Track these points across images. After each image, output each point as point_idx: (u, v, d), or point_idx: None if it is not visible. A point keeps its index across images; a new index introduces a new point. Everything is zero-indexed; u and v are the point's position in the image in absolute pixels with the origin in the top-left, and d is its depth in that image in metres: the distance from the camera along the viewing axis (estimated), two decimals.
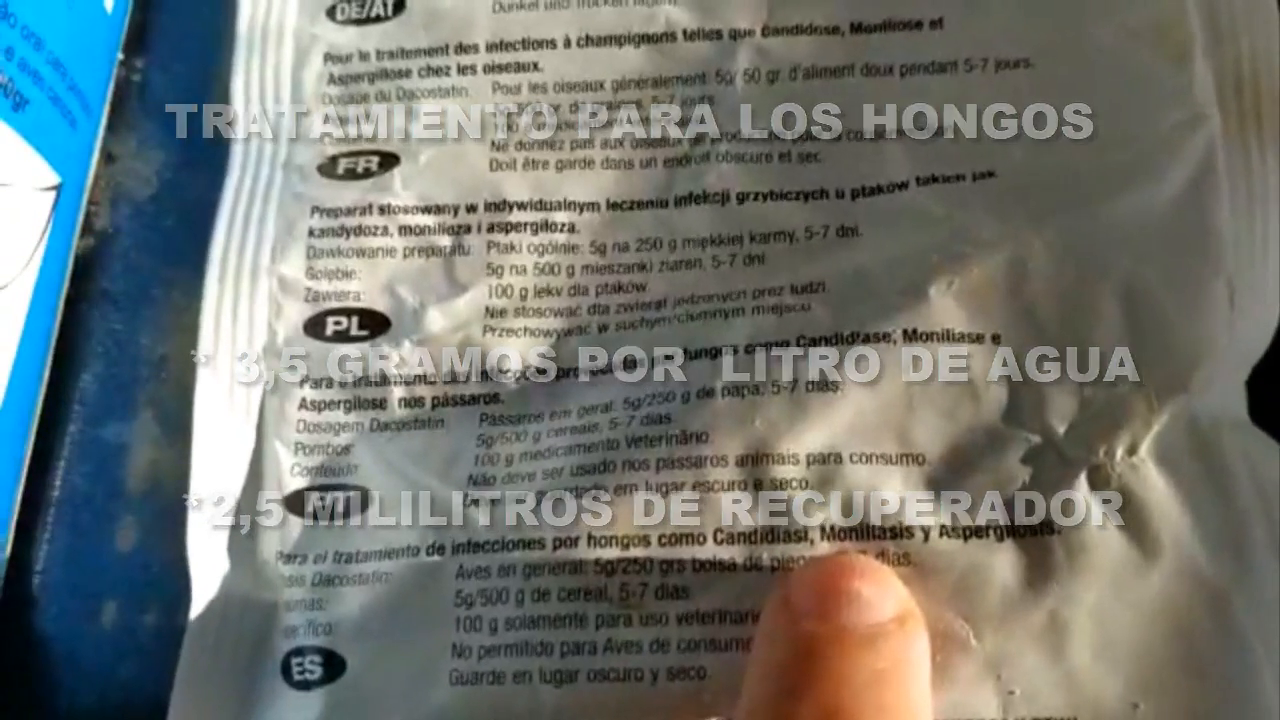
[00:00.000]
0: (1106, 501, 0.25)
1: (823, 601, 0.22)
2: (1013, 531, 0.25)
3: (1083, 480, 0.25)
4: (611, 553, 0.25)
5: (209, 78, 0.31)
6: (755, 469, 0.25)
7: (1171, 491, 0.25)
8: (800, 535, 0.25)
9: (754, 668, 0.22)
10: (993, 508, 0.25)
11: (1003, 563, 0.24)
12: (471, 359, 0.28)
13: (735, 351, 0.26)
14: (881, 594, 0.22)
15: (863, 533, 0.25)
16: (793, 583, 0.23)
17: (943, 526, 0.25)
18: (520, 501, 0.26)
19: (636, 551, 0.25)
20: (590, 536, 0.25)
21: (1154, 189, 0.26)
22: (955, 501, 0.25)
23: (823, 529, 0.25)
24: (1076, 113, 0.28)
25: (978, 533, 0.25)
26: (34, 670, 0.30)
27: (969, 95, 0.29)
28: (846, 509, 0.25)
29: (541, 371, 0.28)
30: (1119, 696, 0.24)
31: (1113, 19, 0.29)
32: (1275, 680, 0.24)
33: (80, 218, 0.32)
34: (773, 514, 0.25)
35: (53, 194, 0.30)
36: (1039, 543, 0.24)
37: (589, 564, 0.25)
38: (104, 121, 0.33)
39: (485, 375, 0.28)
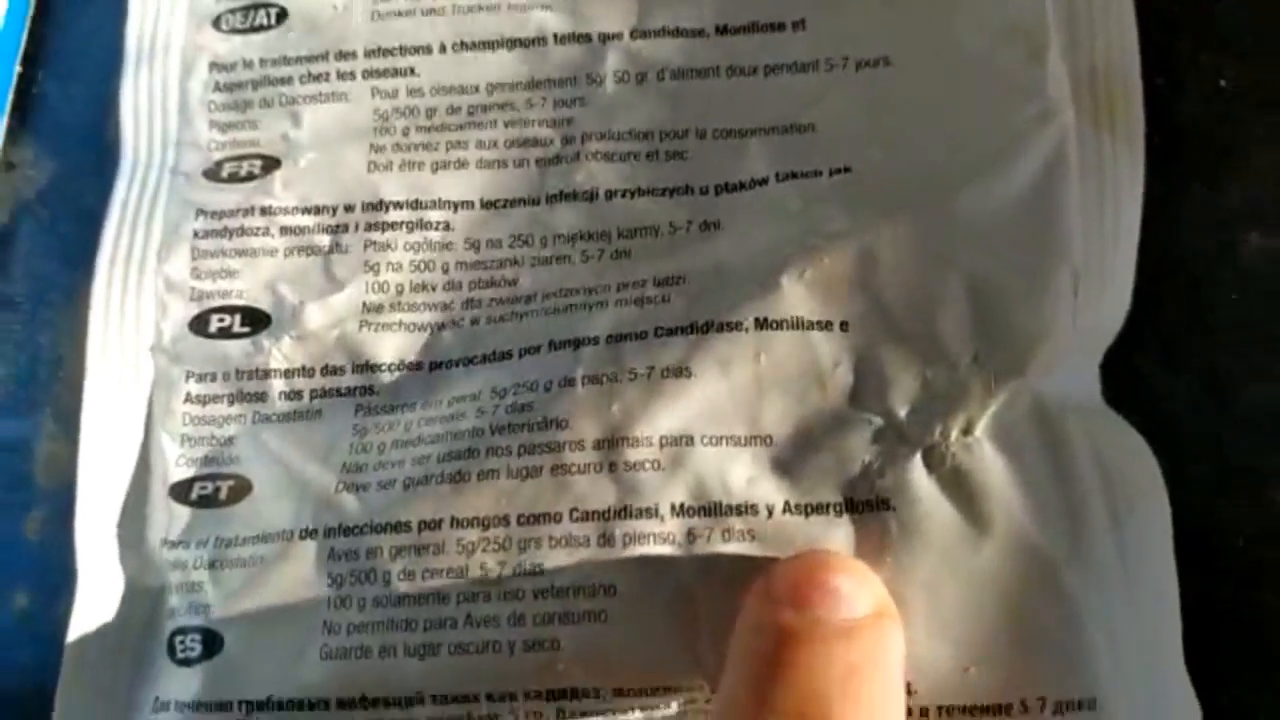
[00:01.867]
0: (941, 478, 0.26)
1: (801, 593, 0.23)
2: (851, 507, 0.26)
3: (918, 459, 0.26)
4: (472, 534, 0.26)
5: (106, 88, 0.32)
6: (611, 452, 0.26)
7: (1006, 469, 0.26)
8: (651, 512, 0.26)
9: (734, 655, 0.23)
10: (834, 486, 0.26)
11: (841, 537, 0.26)
12: (348, 353, 0.29)
13: (596, 342, 0.28)
14: (858, 589, 0.23)
15: (711, 510, 0.26)
16: (774, 575, 0.23)
17: (786, 503, 0.26)
18: (389, 486, 0.27)
19: (495, 532, 0.26)
20: (453, 519, 0.27)
21: (1004, 182, 0.27)
22: (799, 480, 0.26)
23: (673, 506, 0.26)
24: (933, 111, 0.30)
25: (818, 509, 0.26)
26: None
27: (829, 94, 0.30)
28: (696, 487, 0.26)
29: (415, 365, 0.29)
30: (950, 664, 0.25)
31: (972, 20, 0.29)
32: (1105, 649, 0.25)
33: None
34: (626, 493, 0.26)
35: None
36: (875, 518, 0.26)
37: (451, 545, 0.26)
38: (2, 130, 0.35)
39: (361, 368, 0.29)
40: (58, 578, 0.30)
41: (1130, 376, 0.28)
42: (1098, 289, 0.27)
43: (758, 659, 0.23)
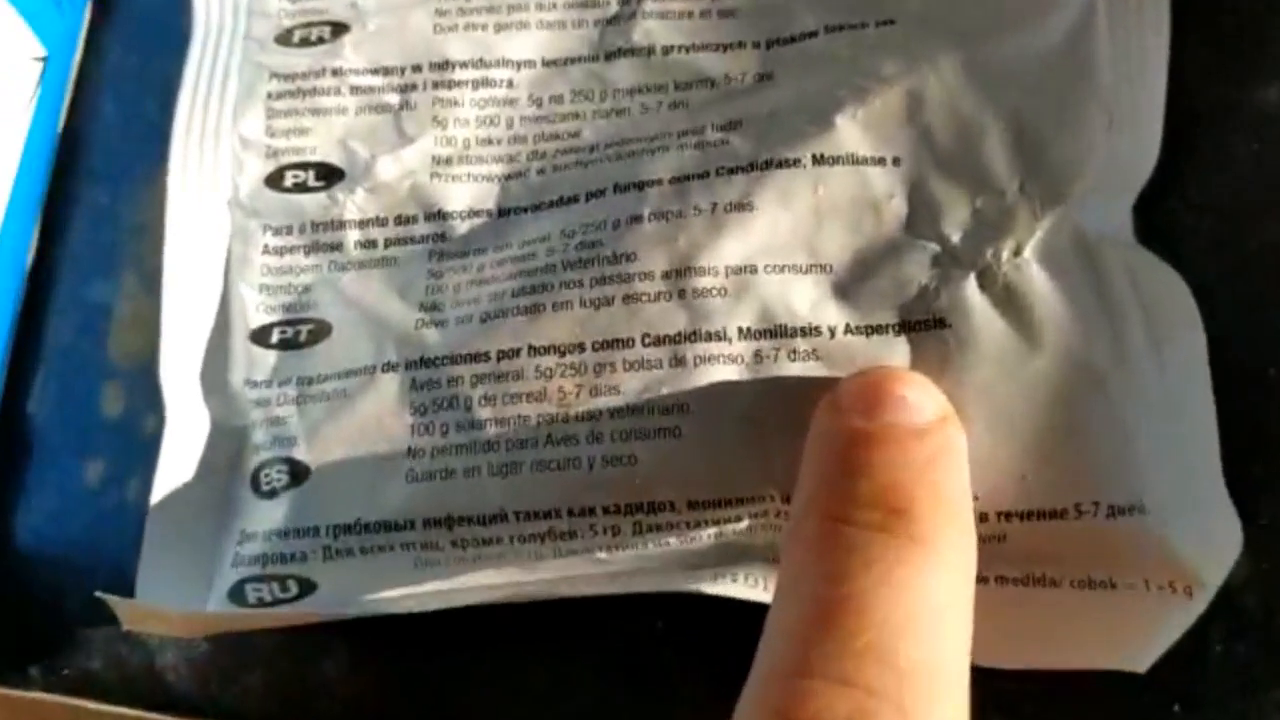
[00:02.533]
0: (994, 296, 0.26)
1: (871, 403, 0.23)
2: (909, 326, 0.26)
3: (972, 280, 0.26)
4: (549, 360, 0.27)
5: None
6: (679, 280, 0.27)
7: (1053, 288, 0.26)
8: (719, 335, 0.27)
9: (808, 462, 0.24)
10: (892, 307, 0.26)
11: (900, 353, 0.26)
12: (420, 202, 0.30)
13: (660, 183, 0.28)
14: (923, 398, 0.24)
15: (776, 332, 0.27)
16: (842, 389, 0.24)
17: (847, 324, 0.26)
18: (467, 320, 0.28)
19: (572, 358, 0.27)
20: (530, 347, 0.27)
21: (1040, 30, 0.28)
22: (858, 303, 0.27)
23: (740, 329, 0.27)
24: None
25: (878, 329, 0.27)
26: (20, 530, 0.31)
27: None
28: (761, 312, 0.27)
29: (486, 212, 0.30)
30: (1007, 471, 0.25)
31: None
32: (1150, 457, 0.25)
33: (67, 95, 0.35)
34: (695, 318, 0.26)
35: (40, 65, 0.33)
36: (933, 336, 0.26)
37: (529, 370, 0.27)
38: (88, 13, 0.35)
39: (433, 216, 0.30)
40: (136, 449, 0.32)
41: (1158, 218, 0.28)
42: (1129, 129, 0.28)
43: (833, 461, 0.23)
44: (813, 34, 0.30)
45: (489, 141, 0.31)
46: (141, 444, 0.30)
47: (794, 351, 0.27)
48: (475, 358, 0.28)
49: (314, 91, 0.31)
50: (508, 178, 0.30)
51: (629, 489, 0.26)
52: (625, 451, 0.27)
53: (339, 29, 0.32)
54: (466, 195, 0.30)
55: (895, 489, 0.22)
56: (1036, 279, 0.27)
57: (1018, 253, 0.27)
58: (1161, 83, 0.28)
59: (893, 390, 0.24)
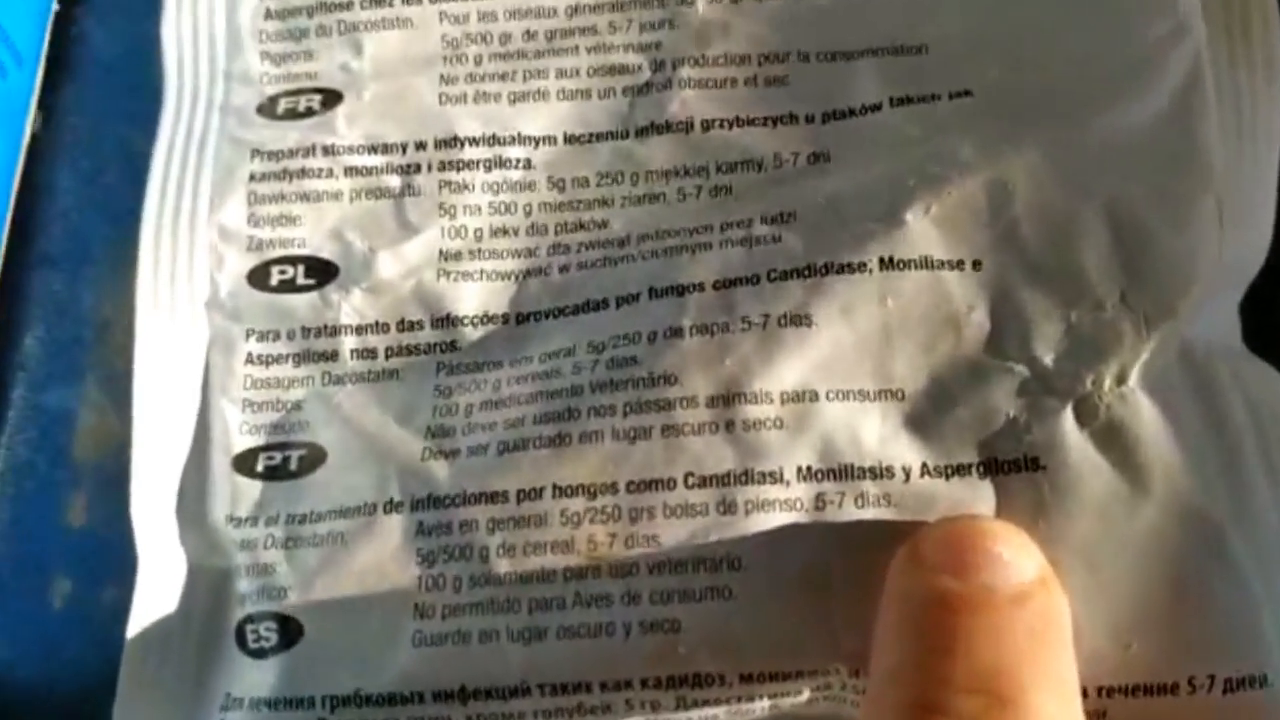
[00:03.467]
0: (1095, 433, 0.25)
1: (963, 559, 0.22)
2: (996, 468, 0.25)
3: (1069, 412, 0.25)
4: (578, 503, 0.25)
5: (149, 25, 0.30)
6: (727, 409, 0.25)
7: (1162, 421, 0.25)
8: (775, 477, 0.25)
9: (889, 631, 0.22)
10: (975, 444, 0.25)
11: (986, 499, 0.24)
12: (426, 305, 0.28)
13: (703, 289, 0.26)
14: (1021, 555, 0.22)
15: (841, 473, 0.25)
16: (925, 541, 0.23)
17: (923, 464, 0.25)
18: (481, 452, 0.26)
19: (604, 500, 0.25)
20: (555, 487, 0.25)
21: (1138, 104, 0.26)
22: (937, 438, 0.25)
23: (799, 470, 0.25)
24: (1055, 28, 0.28)
25: (960, 471, 0.25)
26: None
27: (940, 10, 0.29)
28: (824, 448, 0.25)
29: (501, 317, 0.28)
30: (1111, 637, 0.24)
31: None
32: (1274, 617, 0.24)
33: (17, 173, 0.32)
34: (746, 455, 0.25)
35: None
36: (1024, 480, 0.24)
37: (554, 515, 0.25)
38: (39, 73, 0.33)
39: (441, 322, 0.28)
40: (105, 563, 0.30)
41: (1264, 316, 0.27)
42: (1240, 220, 0.26)
43: (922, 631, 0.21)
44: (875, 107, 0.28)
45: (504, 232, 0.28)
46: (113, 560, 0.28)
47: (862, 496, 0.25)
48: (492, 498, 0.26)
49: (303, 173, 0.29)
50: (526, 275, 0.28)
51: (671, 659, 0.24)
52: (666, 615, 0.25)
53: (331, 98, 0.30)
54: (479, 296, 0.28)
55: (1000, 672, 0.21)
56: (1144, 411, 0.25)
57: (1121, 380, 0.25)
58: (1275, 159, 0.27)
59: (987, 545, 0.22)
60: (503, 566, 0.25)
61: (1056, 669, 0.21)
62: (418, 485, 0.26)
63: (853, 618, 0.24)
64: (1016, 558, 0.22)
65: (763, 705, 0.25)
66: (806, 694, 0.25)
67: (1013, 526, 0.23)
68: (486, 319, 0.28)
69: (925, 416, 0.25)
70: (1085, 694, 0.24)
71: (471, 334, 0.28)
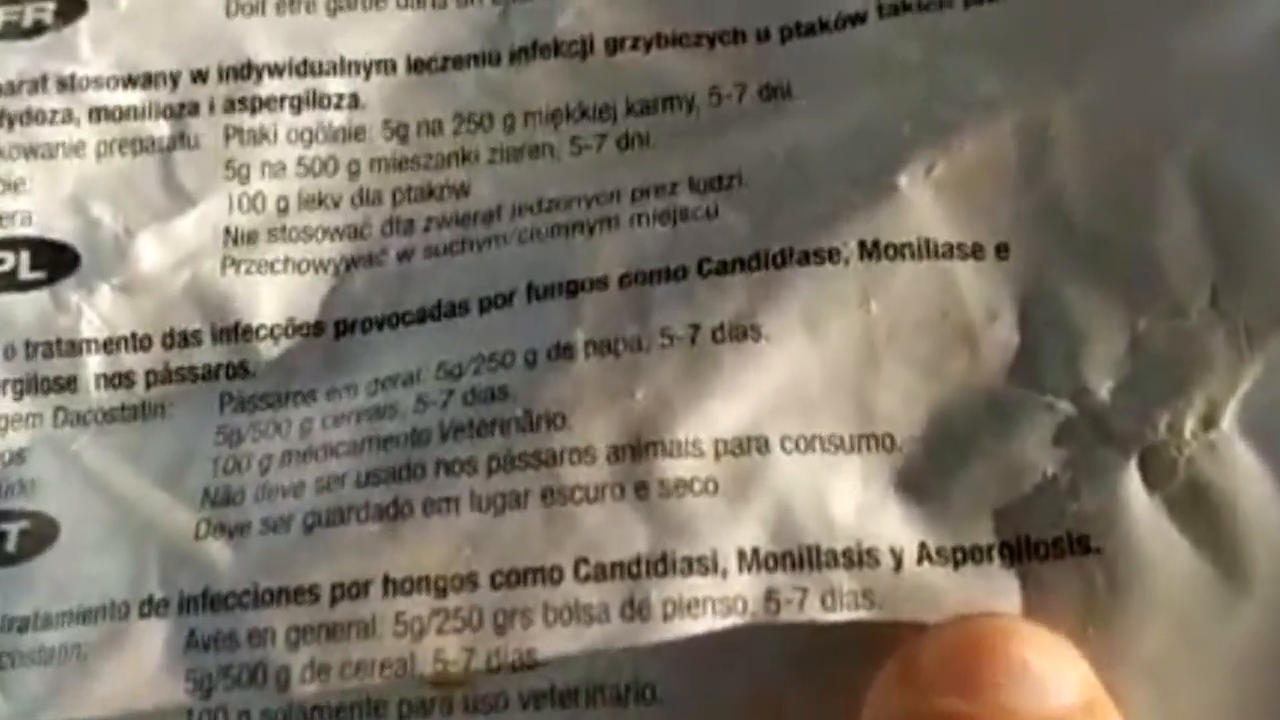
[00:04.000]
0: (1171, 500, 0.23)
1: (975, 675, 0.21)
2: (1027, 551, 0.24)
3: (1134, 469, 0.24)
4: (420, 604, 0.24)
5: None
6: (636, 465, 0.24)
7: (1271, 482, 0.23)
8: (707, 565, 0.24)
9: None
10: (996, 515, 0.24)
11: (1010, 598, 0.24)
12: (206, 310, 0.27)
13: (605, 285, 0.26)
14: (1058, 670, 0.22)
15: (802, 559, 0.24)
16: (922, 650, 0.22)
17: (922, 546, 0.24)
18: (281, 527, 0.25)
19: (458, 600, 0.24)
20: (388, 580, 0.24)
21: (1242, 14, 0.25)
22: (940, 507, 0.24)
23: (741, 555, 0.24)
24: None
25: (973, 555, 0.24)
26: None
27: None
28: (776, 522, 0.24)
29: (313, 326, 0.27)
30: None
31: None
32: None
33: None
34: (664, 533, 0.24)
35: None
36: (1068, 567, 0.24)
37: (386, 622, 0.24)
38: None
39: (227, 334, 0.27)
40: None
41: None
42: None
43: None
44: (858, 18, 0.27)
45: (318, 202, 0.28)
46: None
47: (832, 592, 0.24)
48: (296, 595, 0.25)
49: (29, 116, 0.28)
50: (350, 266, 0.27)
51: None
52: None
53: (71, 8, 0.28)
54: (281, 298, 0.27)
55: None
56: (1244, 467, 0.24)
57: (1211, 422, 0.24)
58: None
59: (1011, 654, 0.21)
60: (311, 697, 0.24)
61: None
62: (189, 576, 0.25)
63: None
64: (1052, 672, 0.21)
65: None
66: None
67: (1047, 631, 0.22)
68: (293, 330, 0.27)
69: (924, 475, 0.24)
70: None
71: (270, 352, 0.27)
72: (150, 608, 0.25)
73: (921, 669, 0.22)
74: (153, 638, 0.25)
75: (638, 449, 0.25)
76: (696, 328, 0.25)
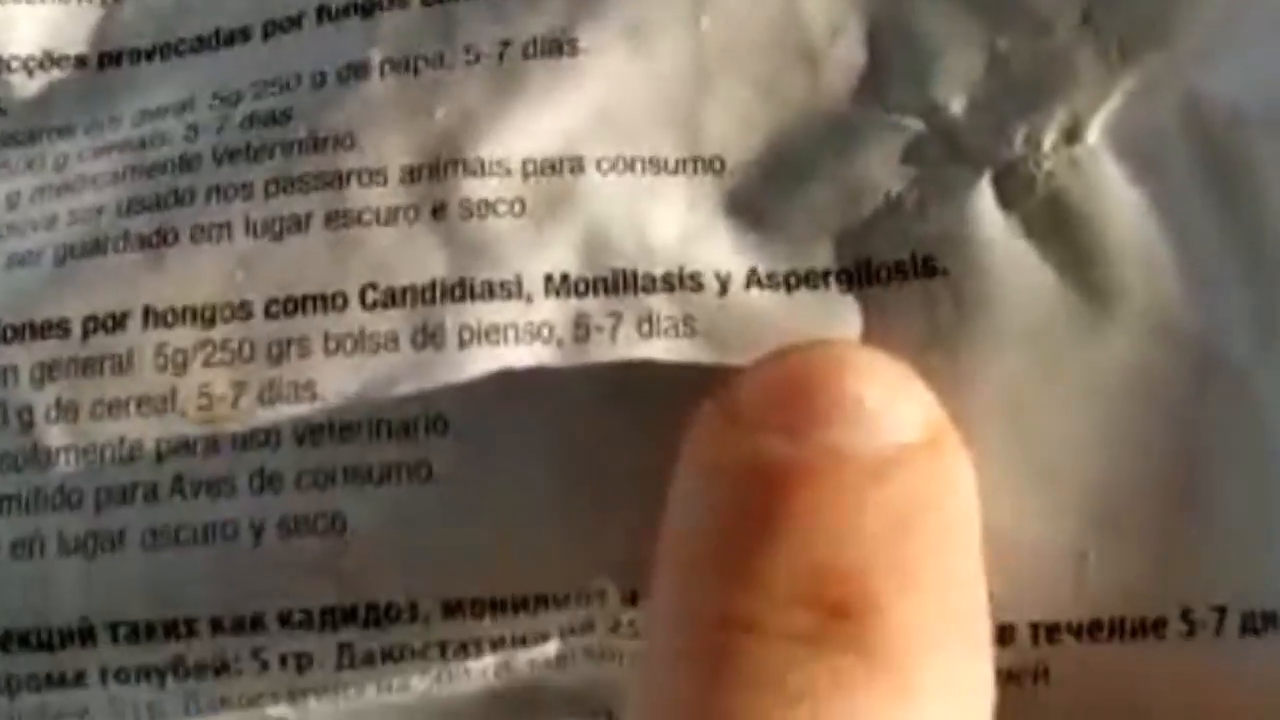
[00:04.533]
0: (1027, 218, 0.25)
1: (801, 409, 0.22)
2: (867, 275, 0.25)
3: (986, 186, 0.25)
4: (184, 335, 0.25)
5: None
6: (434, 186, 0.26)
7: (1143, 201, 0.25)
8: (510, 289, 0.25)
9: (679, 524, 0.23)
10: (835, 238, 0.25)
11: (850, 322, 0.25)
12: None
13: (404, 2, 0.27)
14: (898, 400, 0.23)
15: (616, 283, 0.25)
16: (745, 383, 0.23)
17: (751, 271, 0.25)
18: (31, 260, 0.26)
19: (226, 330, 0.25)
20: (149, 311, 0.26)
21: None
22: (773, 230, 0.26)
23: (548, 280, 0.25)
24: None
25: (809, 279, 0.25)
26: None
27: None
28: (589, 245, 0.25)
29: (74, 59, 0.29)
30: (1052, 547, 0.24)
31: None
32: None
33: None
34: (463, 255, 0.25)
35: None
36: (913, 290, 0.25)
37: (145, 355, 0.25)
38: None
39: None
40: None
41: None
42: None
43: (732, 517, 0.22)
44: None
45: None
46: None
47: (650, 318, 0.26)
48: (42, 330, 0.26)
49: None
50: None
51: (332, 580, 0.25)
52: (325, 508, 0.25)
53: None
54: (40, 28, 0.28)
55: (844, 572, 0.21)
56: (1110, 183, 0.25)
57: (1073, 136, 0.25)
58: None
59: (841, 387, 0.22)
60: (57, 437, 0.25)
61: (944, 581, 0.22)
62: None
63: (628, 513, 0.24)
64: (889, 405, 0.22)
65: (482, 664, 0.26)
66: (554, 642, 0.26)
67: (886, 357, 0.23)
68: (50, 61, 0.29)
69: (756, 197, 0.26)
70: (1012, 633, 0.25)
71: (25, 86, 0.28)
72: None
73: (743, 405, 0.23)
74: None
75: (436, 168, 0.26)
76: (506, 44, 0.27)
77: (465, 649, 0.26)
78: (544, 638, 0.26)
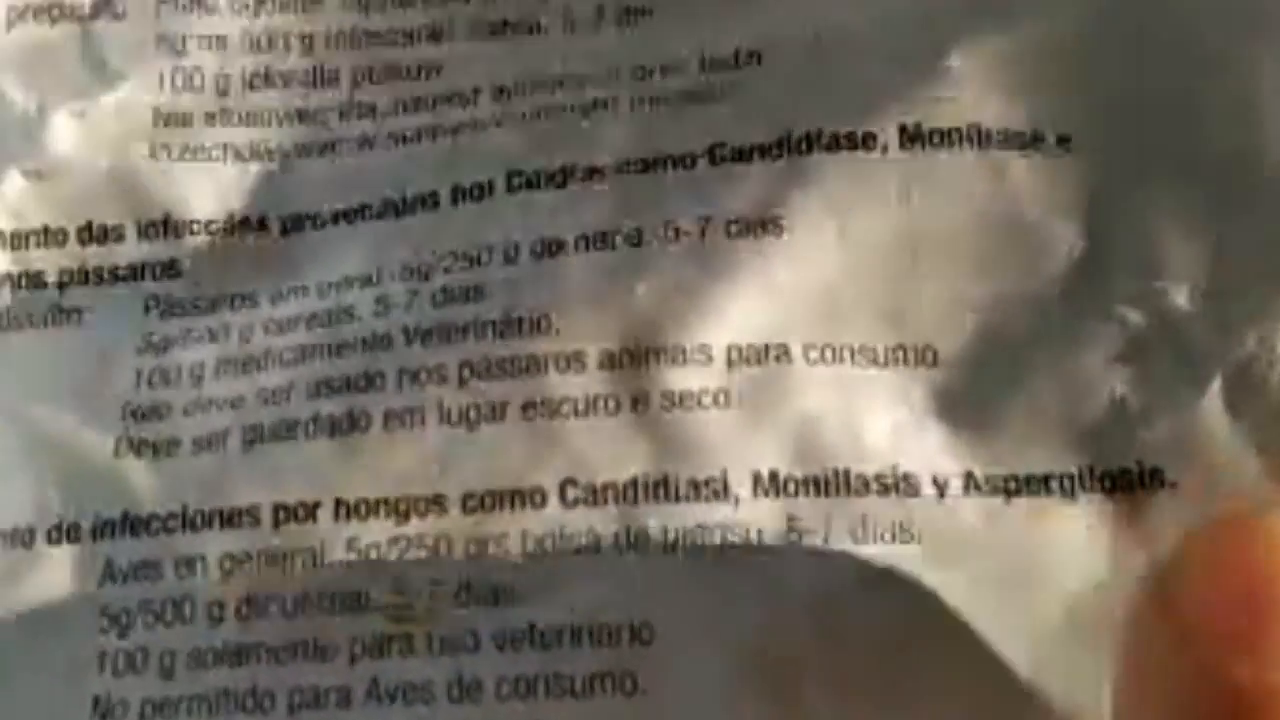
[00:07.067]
0: (1260, 428, 0.24)
1: (1266, 626, 0.20)
2: (1092, 482, 0.25)
3: (1216, 391, 0.24)
4: (378, 530, 0.25)
5: None
6: (634, 375, 0.25)
7: None
8: (716, 488, 0.25)
9: None
10: (1059, 441, 0.25)
11: (1074, 537, 0.24)
12: (131, 200, 0.28)
13: (601, 175, 0.27)
14: None
15: (828, 484, 0.25)
16: (1190, 584, 0.21)
17: (968, 475, 0.25)
18: (217, 444, 0.26)
19: (422, 525, 0.25)
20: (340, 503, 0.25)
21: None
22: (989, 432, 0.25)
23: (757, 479, 0.25)
24: None
25: (1029, 485, 0.25)
26: None
27: None
28: (798, 441, 0.25)
29: (255, 221, 0.28)
30: None
31: None
32: None
33: None
34: (666, 451, 0.25)
35: None
36: (1138, 503, 0.24)
37: (336, 549, 0.25)
38: None
39: (155, 229, 0.28)
40: None
41: None
42: None
43: None
44: None
45: (265, 80, 0.29)
46: None
47: (865, 522, 0.25)
48: (230, 519, 0.25)
49: None
50: (300, 153, 0.28)
51: None
52: (526, 715, 0.24)
53: None
54: (219, 187, 0.28)
55: None
56: None
57: None
58: None
59: None
60: (246, 635, 0.25)
61: None
62: (104, 498, 0.26)
63: None
64: None
65: None
66: None
67: None
68: (230, 225, 0.28)
69: (970, 395, 0.25)
70: None
71: (204, 250, 0.28)
72: (60, 534, 0.26)
73: (1189, 616, 0.21)
74: (61, 567, 0.26)
75: (636, 354, 0.25)
76: (707, 220, 0.26)
77: None
78: None
